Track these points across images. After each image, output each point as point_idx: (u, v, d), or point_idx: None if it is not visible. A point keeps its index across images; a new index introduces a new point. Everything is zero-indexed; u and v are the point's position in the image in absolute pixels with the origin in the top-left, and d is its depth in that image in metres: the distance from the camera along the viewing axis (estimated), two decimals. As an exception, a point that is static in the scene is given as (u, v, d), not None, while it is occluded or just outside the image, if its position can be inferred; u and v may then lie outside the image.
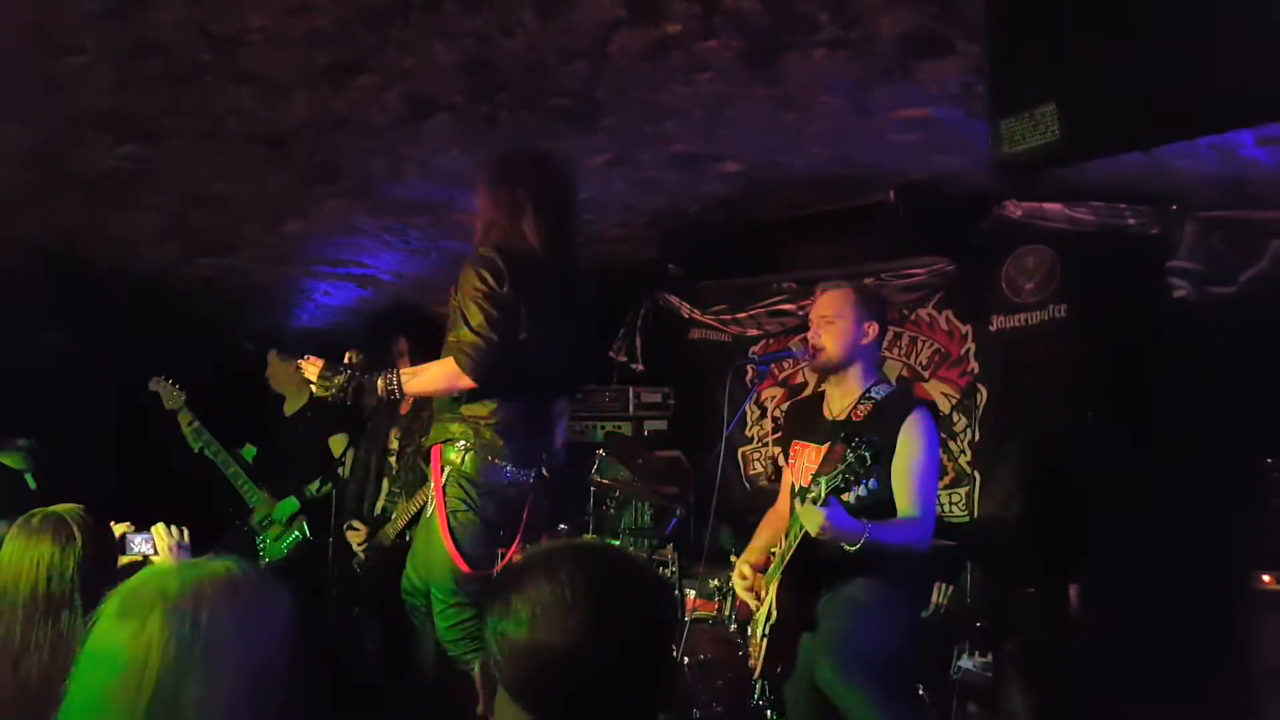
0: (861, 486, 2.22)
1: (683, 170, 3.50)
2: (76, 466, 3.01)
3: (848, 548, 2.34)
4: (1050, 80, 1.69)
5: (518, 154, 2.75)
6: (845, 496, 2.30)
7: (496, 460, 2.60)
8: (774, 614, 2.51)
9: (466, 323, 2.50)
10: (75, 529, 1.77)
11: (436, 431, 2.69)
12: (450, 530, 2.57)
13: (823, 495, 2.26)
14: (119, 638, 1.08)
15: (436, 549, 2.60)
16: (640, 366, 5.02)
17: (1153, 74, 1.63)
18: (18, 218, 3.60)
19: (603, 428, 4.73)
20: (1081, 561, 3.40)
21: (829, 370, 2.65)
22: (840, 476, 2.22)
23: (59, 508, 1.82)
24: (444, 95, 2.80)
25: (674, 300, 4.86)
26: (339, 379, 2.62)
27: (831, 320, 2.62)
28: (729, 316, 4.62)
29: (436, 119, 2.95)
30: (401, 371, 2.63)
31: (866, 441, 2.22)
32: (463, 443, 2.60)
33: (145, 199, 3.53)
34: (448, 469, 2.61)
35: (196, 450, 4.08)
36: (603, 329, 5.11)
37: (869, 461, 2.18)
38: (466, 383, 2.51)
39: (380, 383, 2.60)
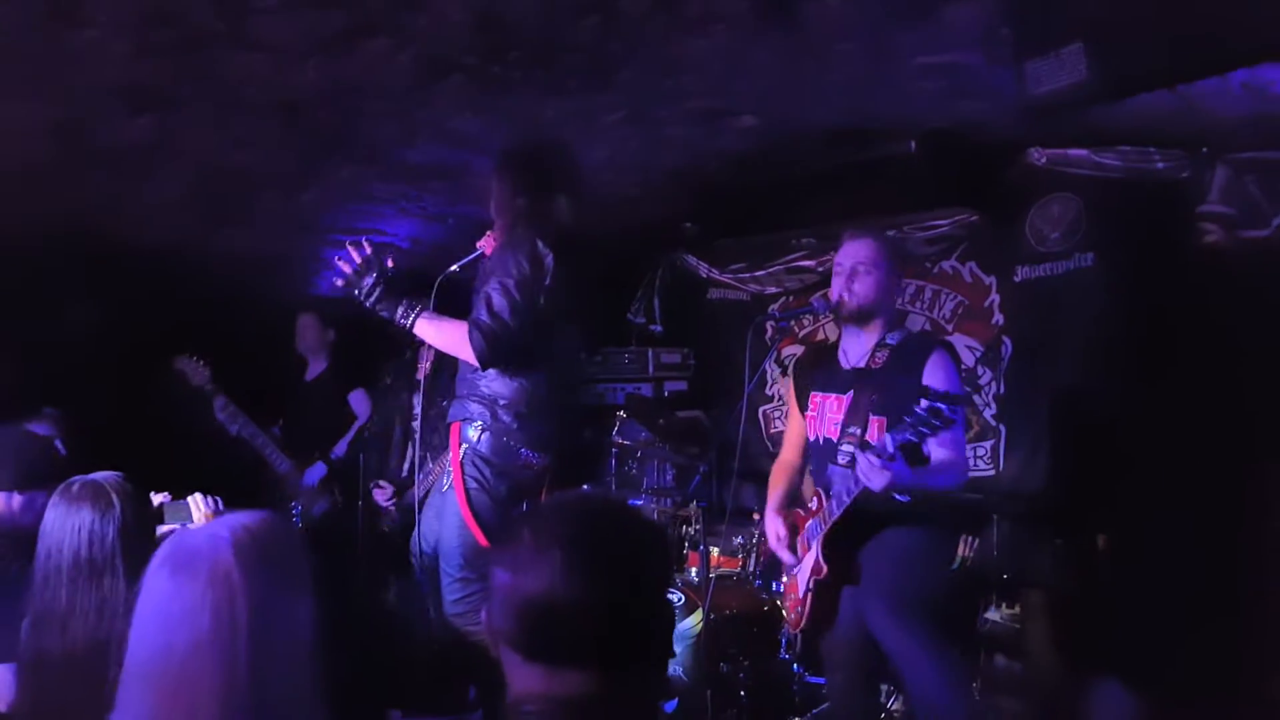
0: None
1: (699, 126, 3.45)
2: (105, 438, 3.05)
3: (896, 497, 2.35)
4: (1077, 18, 1.64)
5: (537, 142, 2.84)
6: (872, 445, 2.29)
7: (511, 443, 2.63)
8: (824, 569, 2.51)
9: (491, 303, 2.53)
10: (114, 495, 1.81)
11: (456, 408, 2.72)
12: (468, 506, 2.61)
13: (887, 451, 2.23)
14: (188, 593, 1.11)
15: (449, 523, 2.63)
16: (659, 327, 5.01)
17: (1181, 8, 1.58)
18: (40, 193, 3.62)
19: (623, 389, 4.75)
20: (1109, 513, 3.39)
21: (857, 316, 2.62)
22: (912, 429, 2.17)
23: (98, 475, 1.86)
24: (456, 56, 2.76)
25: (692, 260, 4.84)
26: (367, 281, 2.58)
27: (869, 269, 2.59)
28: (748, 275, 4.59)
29: (449, 81, 2.92)
30: (424, 314, 2.60)
31: (944, 393, 2.16)
32: (480, 422, 2.64)
33: (164, 170, 3.54)
34: (465, 446, 2.64)
35: (234, 434, 4.13)
36: (620, 290, 5.10)
37: (945, 413, 2.12)
38: (470, 357, 2.53)
39: (399, 309, 2.59)
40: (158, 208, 3.88)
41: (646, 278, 5.06)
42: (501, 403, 2.62)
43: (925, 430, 2.16)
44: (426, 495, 2.84)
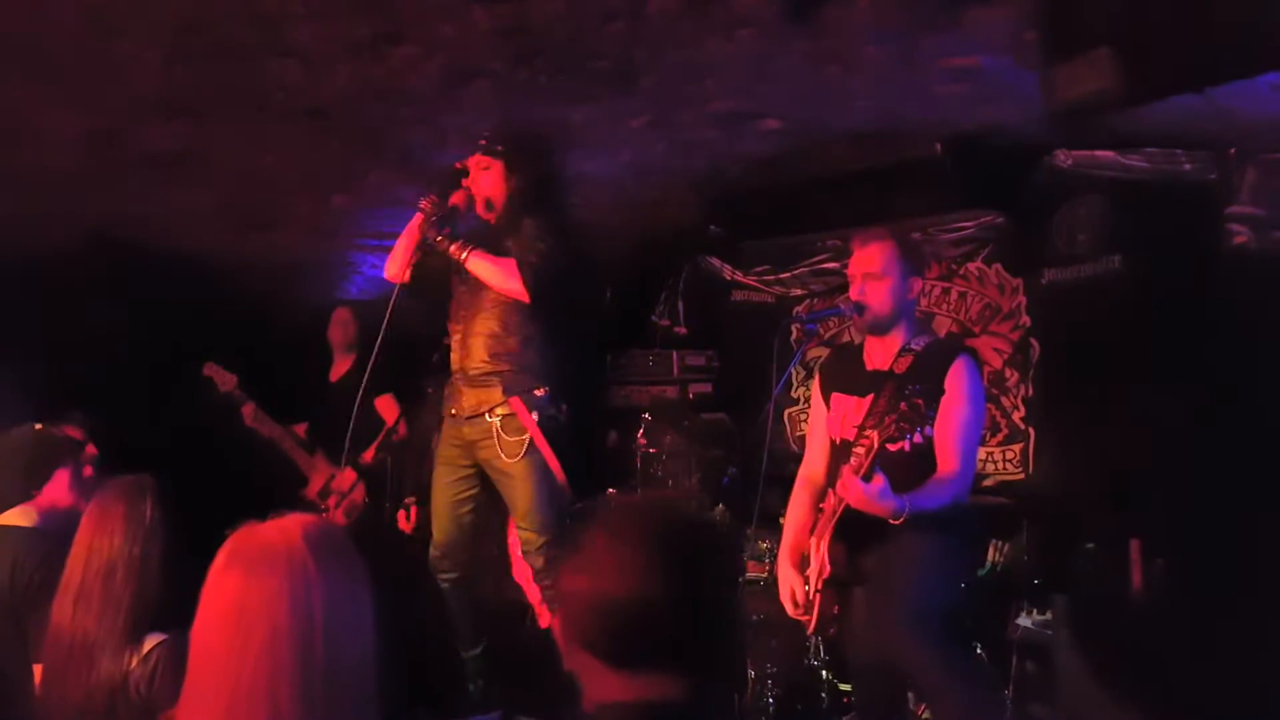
0: (918, 433, 2.18)
1: (723, 130, 3.46)
2: (135, 441, 3.11)
3: (891, 521, 2.31)
4: (1104, 23, 1.63)
5: (533, 133, 3.05)
6: (896, 446, 2.28)
7: (554, 400, 2.90)
8: (825, 568, 2.50)
9: (536, 245, 2.78)
10: (139, 494, 1.88)
11: (514, 383, 2.87)
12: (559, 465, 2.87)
13: (864, 468, 2.24)
14: (267, 585, 1.13)
15: (540, 489, 2.82)
16: (683, 330, 5.02)
17: (1210, 11, 1.57)
18: (76, 199, 3.70)
19: (647, 392, 4.76)
20: (1141, 516, 3.35)
21: (877, 329, 2.59)
22: (896, 425, 2.18)
23: (136, 476, 1.93)
24: (483, 62, 2.80)
25: (716, 262, 4.85)
26: (438, 220, 2.84)
27: (879, 276, 2.51)
28: (772, 277, 4.59)
29: (476, 86, 2.96)
30: (475, 253, 2.81)
31: (920, 389, 2.18)
32: (540, 389, 2.86)
33: (196, 177, 3.60)
34: (537, 413, 2.85)
35: (264, 436, 4.18)
36: (644, 293, 5.12)
37: (924, 409, 2.15)
38: (519, 290, 2.76)
39: (454, 247, 2.83)
40: (190, 213, 3.95)
41: (670, 280, 5.07)
42: (540, 366, 2.88)
43: (905, 425, 2.18)
44: None
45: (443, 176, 2.93)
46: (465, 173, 2.91)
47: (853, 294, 2.57)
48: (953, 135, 3.42)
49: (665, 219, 4.56)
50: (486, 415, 2.86)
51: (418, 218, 2.90)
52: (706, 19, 2.55)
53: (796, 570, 2.59)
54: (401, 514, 4.00)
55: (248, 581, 1.13)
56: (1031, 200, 3.76)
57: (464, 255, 2.82)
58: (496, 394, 2.86)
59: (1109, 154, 3.44)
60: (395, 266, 2.94)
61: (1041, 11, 1.80)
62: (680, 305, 5.00)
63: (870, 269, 2.53)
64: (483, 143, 2.89)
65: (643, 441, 4.13)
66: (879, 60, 2.81)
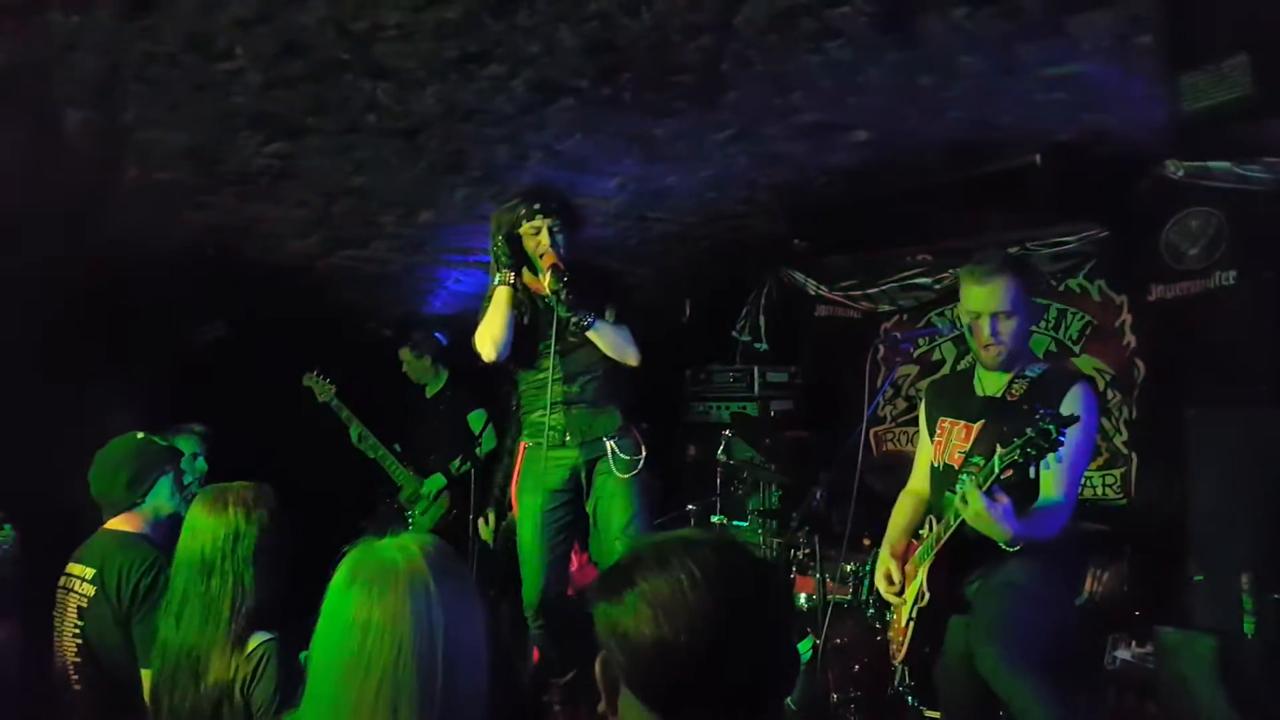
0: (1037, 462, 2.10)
1: (810, 141, 3.40)
2: (233, 450, 3.20)
3: (1005, 547, 2.23)
4: (1240, 27, 1.51)
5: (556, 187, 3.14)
6: (1009, 473, 2.20)
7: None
8: (925, 596, 2.43)
9: (626, 309, 2.97)
10: (235, 503, 1.90)
11: (630, 412, 3.03)
12: None
13: (986, 481, 2.16)
14: (391, 601, 1.15)
15: (636, 497, 2.94)
16: (764, 345, 4.94)
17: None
18: (177, 215, 3.84)
19: (728, 408, 4.69)
20: (1254, 547, 3.13)
21: (1006, 365, 2.48)
22: (1019, 450, 2.10)
23: (231, 484, 1.95)
24: (568, 80, 2.80)
25: (799, 276, 4.76)
26: (560, 288, 2.81)
27: (1010, 314, 2.41)
28: (859, 292, 4.48)
29: (561, 104, 2.97)
30: (602, 323, 2.91)
31: (1051, 414, 2.09)
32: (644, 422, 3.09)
33: (291, 194, 3.70)
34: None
35: (355, 441, 4.32)
36: (726, 307, 5.06)
37: (1054, 435, 2.05)
38: (634, 356, 2.96)
39: (576, 316, 2.89)
40: (285, 229, 4.06)
41: (752, 295, 5.00)
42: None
43: (1031, 451, 2.09)
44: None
45: (511, 243, 2.89)
46: (519, 238, 2.88)
47: (985, 331, 2.44)
48: (1053, 145, 3.28)
49: (748, 232, 4.50)
50: (604, 438, 2.96)
51: (506, 292, 2.89)
52: (795, 31, 2.50)
53: (894, 558, 2.59)
54: (481, 520, 4.04)
55: (370, 599, 1.16)
56: (1138, 213, 3.58)
57: (588, 324, 2.90)
58: (616, 418, 2.99)
59: (1224, 164, 3.24)
60: (497, 346, 2.88)
61: (1164, 16, 1.68)
62: (762, 320, 4.92)
63: (1000, 307, 2.42)
64: (537, 206, 2.84)
65: (723, 458, 4.07)
66: (975, 69, 2.72)
